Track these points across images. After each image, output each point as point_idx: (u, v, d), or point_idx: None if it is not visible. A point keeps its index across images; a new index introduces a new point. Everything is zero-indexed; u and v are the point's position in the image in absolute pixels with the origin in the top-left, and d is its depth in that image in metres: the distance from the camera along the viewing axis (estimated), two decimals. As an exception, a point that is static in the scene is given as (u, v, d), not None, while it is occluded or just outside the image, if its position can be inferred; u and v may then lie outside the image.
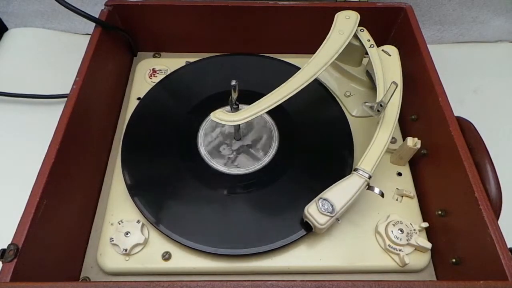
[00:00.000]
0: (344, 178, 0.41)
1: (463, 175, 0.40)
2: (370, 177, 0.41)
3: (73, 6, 0.47)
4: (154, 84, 0.55)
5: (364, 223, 0.45)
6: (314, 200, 0.40)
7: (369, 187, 0.41)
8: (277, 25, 0.58)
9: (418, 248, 0.42)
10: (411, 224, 0.44)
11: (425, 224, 0.43)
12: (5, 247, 0.33)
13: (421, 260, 0.43)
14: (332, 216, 0.39)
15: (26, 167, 0.41)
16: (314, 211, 0.40)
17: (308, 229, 0.42)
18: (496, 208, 0.38)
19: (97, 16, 0.51)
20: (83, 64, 0.47)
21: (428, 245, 0.42)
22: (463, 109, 0.47)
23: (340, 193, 0.40)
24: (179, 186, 0.46)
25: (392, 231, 0.43)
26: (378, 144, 0.42)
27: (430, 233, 0.45)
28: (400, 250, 0.42)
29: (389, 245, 0.43)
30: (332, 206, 0.39)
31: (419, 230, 0.43)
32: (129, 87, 0.58)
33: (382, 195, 0.42)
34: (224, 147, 0.49)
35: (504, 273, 0.34)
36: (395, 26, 0.58)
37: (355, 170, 0.41)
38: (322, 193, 0.40)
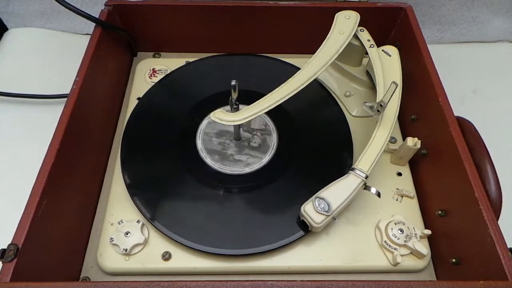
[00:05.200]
0: (341, 178, 0.41)
1: (463, 175, 0.40)
2: (367, 177, 0.41)
3: (73, 6, 0.47)
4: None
5: (363, 223, 0.45)
6: (310, 199, 0.40)
7: (366, 187, 0.41)
8: (277, 25, 0.58)
9: (414, 253, 0.42)
10: (414, 228, 0.43)
11: (428, 232, 0.43)
12: (5, 247, 0.33)
13: (421, 260, 0.42)
14: (328, 215, 0.39)
15: (26, 167, 0.41)
16: (310, 210, 0.40)
17: (305, 228, 0.42)
18: (496, 208, 0.38)
19: (97, 16, 0.51)
20: (83, 64, 0.47)
21: (424, 250, 0.41)
22: (463, 109, 0.47)
23: (336, 192, 0.40)
24: (178, 186, 0.46)
25: (392, 228, 0.43)
26: (376, 144, 0.42)
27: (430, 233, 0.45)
28: (395, 249, 0.42)
29: (385, 241, 0.43)
30: (328, 205, 0.40)
31: (421, 236, 0.43)
32: (129, 87, 0.58)
33: (378, 195, 0.42)
34: (223, 147, 0.49)
35: (504, 273, 0.34)
36: (395, 26, 0.58)
37: (352, 169, 0.41)
38: (319, 192, 0.41)
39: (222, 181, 0.46)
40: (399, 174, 0.49)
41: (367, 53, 0.49)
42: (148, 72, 0.58)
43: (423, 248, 0.42)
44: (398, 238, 0.42)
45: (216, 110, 0.43)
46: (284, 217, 0.43)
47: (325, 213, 0.39)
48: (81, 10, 0.48)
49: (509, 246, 0.35)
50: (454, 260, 0.40)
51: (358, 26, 0.49)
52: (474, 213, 0.38)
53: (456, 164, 0.41)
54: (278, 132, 0.51)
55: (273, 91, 0.43)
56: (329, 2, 0.56)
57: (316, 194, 0.40)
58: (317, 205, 0.40)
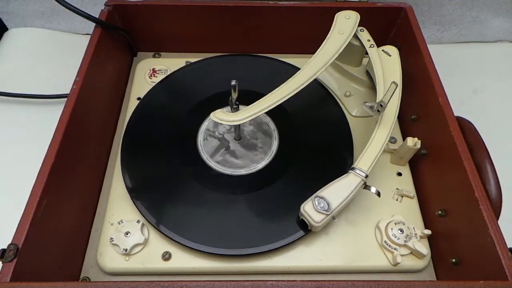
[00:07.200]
0: (341, 177, 0.41)
1: (463, 175, 0.40)
2: (366, 176, 0.41)
3: (73, 6, 0.47)
4: (154, 84, 0.55)
5: (363, 223, 0.45)
6: (310, 198, 0.40)
7: (366, 186, 0.41)
8: (277, 25, 0.58)
9: (414, 253, 0.42)
10: (414, 228, 0.43)
11: (428, 232, 0.43)
12: (5, 247, 0.33)
13: (421, 260, 0.42)
14: (327, 214, 0.39)
15: (26, 167, 0.41)
16: (310, 209, 0.40)
17: (305, 228, 0.42)
18: (496, 208, 0.38)
19: (97, 16, 0.51)
20: (83, 64, 0.47)
21: (424, 250, 0.41)
22: (463, 109, 0.47)
23: (336, 191, 0.40)
24: (178, 186, 0.46)
25: (392, 228, 0.43)
26: (375, 143, 0.42)
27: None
28: (395, 249, 0.42)
29: (385, 241, 0.43)
30: (328, 204, 0.40)
31: (421, 236, 0.43)
32: (129, 87, 0.58)
33: (378, 194, 0.42)
34: (224, 148, 0.49)
35: (504, 273, 0.34)
36: (395, 26, 0.58)
37: (352, 169, 0.41)
38: (319, 191, 0.41)
39: (223, 182, 0.46)
40: (399, 174, 0.49)
41: (367, 53, 0.49)
42: (148, 72, 0.58)
43: (423, 248, 0.42)
44: (398, 238, 0.42)
45: (216, 110, 0.42)
46: (284, 217, 0.43)
47: (324, 212, 0.39)
48: (81, 10, 0.48)
49: (509, 246, 0.35)
50: (454, 260, 0.40)
51: (358, 26, 0.49)
52: (474, 213, 0.38)
53: (456, 164, 0.41)
54: (278, 132, 0.51)
55: (273, 91, 0.43)
56: (329, 2, 0.56)
57: (316, 193, 0.40)
58: (316, 204, 0.40)
